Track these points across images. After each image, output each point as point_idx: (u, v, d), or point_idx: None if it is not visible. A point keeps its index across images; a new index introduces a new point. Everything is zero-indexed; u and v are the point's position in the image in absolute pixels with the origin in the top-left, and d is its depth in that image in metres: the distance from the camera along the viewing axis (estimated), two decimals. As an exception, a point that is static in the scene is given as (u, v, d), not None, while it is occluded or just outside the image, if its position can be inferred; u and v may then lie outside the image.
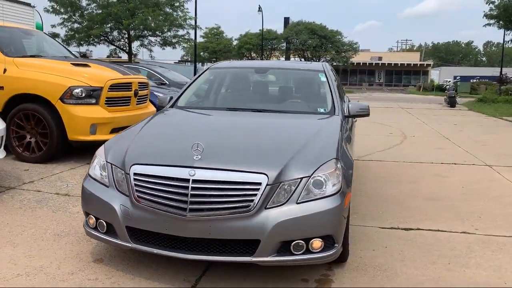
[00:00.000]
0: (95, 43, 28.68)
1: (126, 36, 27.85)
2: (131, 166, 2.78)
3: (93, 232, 2.91)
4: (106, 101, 5.97)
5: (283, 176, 2.65)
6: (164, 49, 28.50)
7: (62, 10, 26.48)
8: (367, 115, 4.06)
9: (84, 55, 47.58)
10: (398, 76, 62.25)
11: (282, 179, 2.64)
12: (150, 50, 28.85)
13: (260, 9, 45.36)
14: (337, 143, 3.12)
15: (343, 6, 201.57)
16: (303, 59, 49.63)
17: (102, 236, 2.86)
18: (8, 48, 6.15)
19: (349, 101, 6.07)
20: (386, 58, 62.88)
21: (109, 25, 27.08)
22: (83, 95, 5.76)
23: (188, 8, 28.76)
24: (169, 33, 27.85)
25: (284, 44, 49.63)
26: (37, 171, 5.48)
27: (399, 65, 60.51)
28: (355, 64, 57.33)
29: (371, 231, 3.83)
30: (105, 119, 5.89)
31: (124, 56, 30.36)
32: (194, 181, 2.60)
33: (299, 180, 2.67)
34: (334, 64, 49.18)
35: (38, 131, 5.83)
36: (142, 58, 33.15)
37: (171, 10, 28.02)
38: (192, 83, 4.46)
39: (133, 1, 26.48)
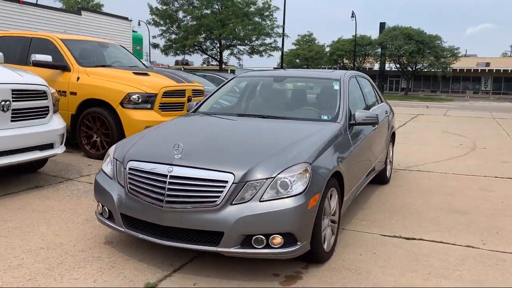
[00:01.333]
0: (190, 53, 30.64)
1: (218, 45, 29.33)
2: (128, 162, 3.24)
3: (99, 217, 3.42)
4: (160, 106, 6.63)
5: (249, 176, 2.91)
6: (251, 57, 29.57)
7: (161, 22, 28.71)
8: (375, 123, 4.12)
9: (186, 63, 50.77)
10: (509, 84, 57.00)
11: (248, 179, 2.90)
12: (239, 59, 30.13)
13: (353, 15, 44.80)
14: (318, 148, 3.29)
15: (451, 9, 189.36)
16: (398, 65, 47.89)
17: (105, 221, 3.36)
18: (83, 58, 7.10)
19: (391, 111, 6.08)
20: (495, 64, 57.90)
21: (203, 35, 28.75)
22: (140, 100, 6.47)
23: (277, 18, 29.53)
24: (256, 42, 28.84)
25: (379, 50, 48.30)
26: (98, 166, 6.27)
27: (509, 71, 55.38)
28: (458, 70, 53.87)
29: (370, 237, 3.88)
30: (158, 123, 6.50)
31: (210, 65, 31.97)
32: (171, 176, 2.98)
33: (263, 180, 2.91)
34: (433, 70, 46.74)
35: (103, 132, 6.65)
36: (239, 66, 34.60)
37: (260, 20, 28.97)
38: (217, 90, 4.87)
39: (224, 12, 27.89)
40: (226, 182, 2.89)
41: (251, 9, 28.47)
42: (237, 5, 28.02)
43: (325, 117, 4.03)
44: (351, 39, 46.94)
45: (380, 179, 5.72)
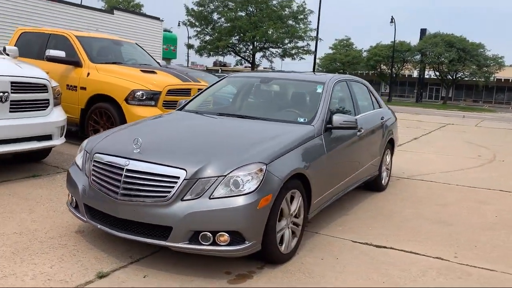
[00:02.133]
0: (223, 54, 30.97)
1: (251, 47, 29.50)
2: (94, 154, 3.35)
3: (69, 207, 3.55)
4: (164, 103, 6.77)
5: (201, 173, 2.95)
6: (283, 60, 29.58)
7: (197, 23, 29.17)
8: (353, 128, 4.05)
9: (224, 65, 51.43)
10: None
11: (200, 176, 2.95)
12: (271, 61, 30.18)
13: (392, 20, 43.99)
14: (280, 149, 3.29)
15: (498, 16, 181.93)
16: (437, 73, 46.57)
17: (72, 210, 3.48)
18: (95, 55, 7.36)
19: (393, 117, 5.96)
20: (544, 74, 55.21)
21: (236, 37, 29.00)
22: (144, 97, 6.63)
23: (311, 21, 29.39)
24: (289, 45, 28.81)
25: (418, 56, 47.10)
26: (101, 159, 6.48)
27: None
28: (502, 80, 51.84)
29: (340, 243, 3.83)
30: (160, 120, 6.68)
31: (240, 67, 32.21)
32: (127, 170, 3.07)
33: (215, 178, 2.94)
34: (474, 79, 45.16)
35: (108, 126, 6.85)
36: (272, 69, 34.68)
37: (294, 23, 28.93)
38: (207, 89, 4.94)
39: (259, 14, 28.04)
40: (178, 178, 2.95)
41: (285, 12, 28.49)
42: (271, 7, 28.12)
43: (301, 120, 4.01)
44: (390, 44, 46.00)
45: (374, 186, 5.62)
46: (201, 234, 2.90)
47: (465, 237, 4.15)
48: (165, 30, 40.81)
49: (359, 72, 54.45)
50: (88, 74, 7.04)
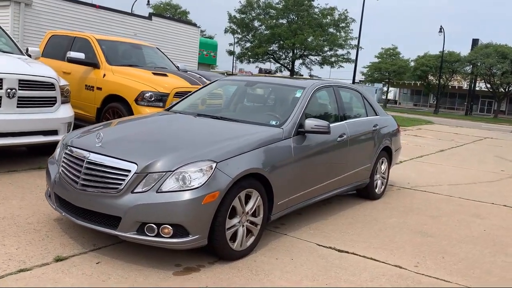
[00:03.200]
0: (263, 61, 31.27)
1: (290, 54, 29.60)
2: (66, 147, 3.60)
3: (46, 196, 3.82)
4: (171, 105, 7.02)
5: (151, 168, 3.11)
6: (322, 67, 29.44)
7: (238, 30, 29.65)
8: (324, 132, 4.07)
9: (269, 72, 51.87)
10: None
11: (149, 170, 3.10)
12: (310, 69, 30.12)
13: (441, 30, 42.73)
14: (237, 149, 3.40)
15: None
16: (488, 85, 44.61)
17: (47, 199, 3.74)
18: (113, 58, 7.75)
19: (394, 126, 5.89)
20: None
21: (276, 44, 29.21)
22: (152, 98, 6.91)
23: (353, 29, 29.14)
24: (329, 53, 28.66)
25: (468, 68, 45.34)
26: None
27: None
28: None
29: (304, 245, 3.86)
30: (167, 120, 6.93)
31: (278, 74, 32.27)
32: (87, 161, 3.28)
33: (163, 173, 3.09)
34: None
35: (120, 125, 7.20)
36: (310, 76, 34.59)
37: (335, 31, 28.78)
38: (196, 91, 5.12)
39: (300, 21, 28.12)
40: (129, 171, 3.12)
41: (326, 20, 28.39)
42: (312, 15, 28.13)
43: (273, 122, 4.08)
44: (438, 54, 44.65)
45: (366, 194, 5.58)
46: (146, 226, 3.05)
47: (438, 248, 4.05)
48: (208, 37, 41.83)
49: (406, 82, 53.13)
50: (104, 75, 7.42)
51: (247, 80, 5.06)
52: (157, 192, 3.06)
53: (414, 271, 3.49)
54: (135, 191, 3.09)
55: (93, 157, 3.28)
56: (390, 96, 65.97)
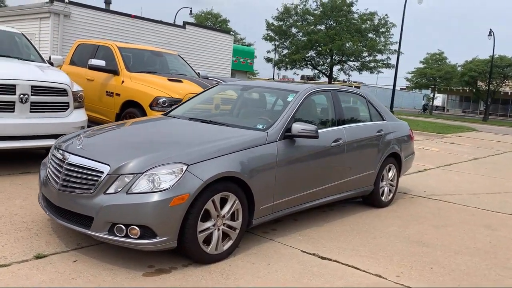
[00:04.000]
0: (301, 67, 31.13)
1: (328, 60, 29.31)
2: (54, 148, 3.75)
3: (38, 197, 3.97)
4: (185, 110, 7.13)
5: (123, 170, 3.17)
6: (361, 73, 28.95)
7: (276, 37, 29.71)
8: (312, 137, 4.00)
9: (312, 78, 51.46)
10: None
11: (121, 172, 3.17)
12: (349, 75, 29.69)
13: (491, 33, 40.98)
14: (213, 151, 3.41)
15: None
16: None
17: (38, 199, 3.90)
18: (133, 65, 7.99)
19: (405, 132, 5.72)
20: None
21: (313, 51, 29.02)
22: (166, 104, 7.05)
23: (393, 34, 28.43)
24: (367, 58, 28.14)
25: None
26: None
27: None
28: None
29: (286, 251, 3.80)
30: (180, 126, 7.05)
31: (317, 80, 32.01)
32: (67, 163, 3.39)
33: (134, 174, 3.15)
34: None
35: (136, 130, 7.40)
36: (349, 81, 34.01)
37: (374, 36, 28.25)
38: (197, 95, 5.18)
39: (338, 27, 27.81)
40: (102, 172, 3.20)
41: (365, 25, 27.90)
42: (350, 20, 27.75)
43: (260, 126, 4.05)
44: (488, 59, 42.70)
45: (371, 201, 5.42)
46: (116, 226, 3.11)
47: (429, 259, 3.87)
48: (247, 44, 42.14)
49: (454, 88, 51.21)
50: (123, 81, 7.67)
51: (244, 84, 5.06)
52: (127, 193, 3.12)
53: (394, 281, 3.35)
54: (107, 192, 3.16)
55: (72, 158, 3.39)
56: (438, 102, 63.71)
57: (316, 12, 28.54)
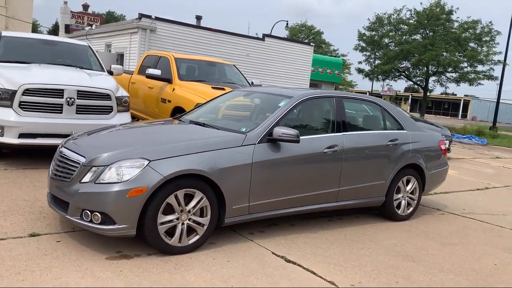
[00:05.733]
0: (394, 78, 29.99)
1: (423, 71, 27.85)
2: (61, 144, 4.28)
3: (50, 185, 4.54)
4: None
5: (94, 162, 3.55)
6: (458, 85, 26.95)
7: (368, 48, 29.05)
8: (293, 141, 4.03)
9: (417, 91, 48.84)
10: None
11: (93, 164, 3.55)
12: (446, 87, 27.87)
13: None
14: (174, 150, 3.64)
15: None
16: None
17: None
18: (184, 74, 8.56)
19: (427, 143, 5.46)
20: None
21: (406, 61, 27.80)
22: (206, 110, 7.47)
23: (499, 43, 26.06)
24: (466, 69, 26.18)
25: None
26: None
27: None
28: None
29: (257, 251, 3.87)
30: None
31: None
32: (59, 154, 3.88)
33: (103, 167, 3.50)
34: None
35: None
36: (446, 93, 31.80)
37: (475, 45, 26.24)
38: (210, 101, 5.45)
39: (433, 36, 26.37)
40: (79, 163, 3.61)
41: (465, 34, 25.98)
42: (448, 29, 26.08)
43: (243, 129, 4.18)
44: None
45: (385, 214, 5.21)
46: (84, 212, 3.49)
47: (404, 274, 3.66)
48: (340, 56, 41.55)
49: None
50: (174, 89, 8.26)
51: (247, 90, 5.22)
52: (95, 183, 3.48)
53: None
54: (82, 181, 3.56)
55: (63, 151, 3.87)
56: None
57: (410, 21, 27.34)
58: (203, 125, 4.51)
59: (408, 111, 61.58)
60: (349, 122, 4.85)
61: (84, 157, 3.62)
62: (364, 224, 5.01)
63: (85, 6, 28.31)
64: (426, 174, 5.44)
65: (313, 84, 25.43)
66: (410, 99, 68.49)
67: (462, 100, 65.85)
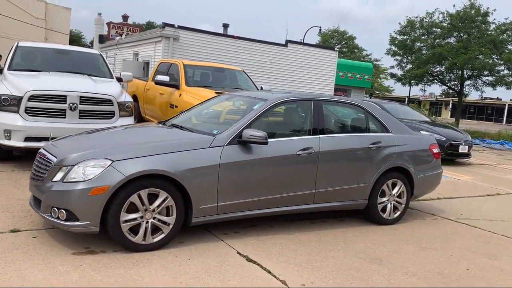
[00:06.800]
0: (428, 83, 29.24)
1: (458, 75, 26.98)
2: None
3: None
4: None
5: (63, 162, 3.75)
6: (495, 89, 25.91)
7: (400, 52, 28.48)
8: (261, 143, 4.11)
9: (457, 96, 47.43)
10: None
11: (62, 164, 3.75)
12: (481, 91, 26.86)
13: None
14: (138, 151, 3.79)
15: None
16: None
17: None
18: (191, 80, 8.77)
19: (415, 146, 5.38)
20: None
21: (439, 65, 27.06)
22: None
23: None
24: (503, 72, 25.15)
25: None
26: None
27: None
28: None
29: (222, 250, 3.94)
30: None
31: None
32: (38, 156, 4.12)
33: (69, 166, 3.70)
34: None
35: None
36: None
37: (513, 48, 25.17)
38: (198, 105, 5.60)
39: (467, 39, 25.55)
40: (51, 163, 3.83)
41: (503, 36, 24.97)
42: (484, 31, 25.14)
43: (215, 131, 4.29)
44: None
45: (370, 217, 5.16)
46: (52, 209, 3.69)
47: (363, 275, 3.63)
48: (373, 61, 40.86)
49: None
50: (180, 95, 8.49)
51: (232, 94, 5.32)
52: (63, 181, 3.68)
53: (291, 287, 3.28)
54: (53, 180, 3.77)
55: (41, 151, 4.11)
56: None
57: (443, 24, 26.59)
58: (181, 128, 4.66)
59: (448, 116, 59.63)
60: (328, 125, 4.86)
61: (56, 157, 3.83)
62: (346, 227, 4.97)
63: (125, 17, 29.37)
64: (415, 178, 5.34)
65: (341, 89, 25.21)
66: (451, 104, 66.30)
67: (507, 104, 63.06)
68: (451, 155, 10.96)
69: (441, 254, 4.31)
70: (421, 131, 10.84)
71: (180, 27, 15.62)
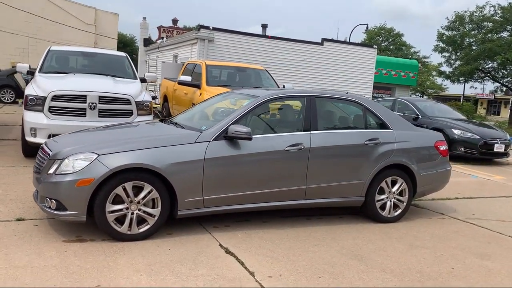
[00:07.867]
0: (478, 80, 27.97)
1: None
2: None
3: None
4: (240, 119, 7.75)
5: (56, 156, 4.04)
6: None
7: (449, 48, 27.45)
8: (245, 138, 4.20)
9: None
10: None
11: (55, 158, 4.04)
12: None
13: None
14: (124, 146, 4.00)
15: None
16: None
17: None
18: (212, 79, 8.98)
19: (417, 143, 5.29)
20: None
21: (490, 61, 25.79)
22: (224, 114, 7.79)
23: None
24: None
25: None
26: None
27: None
28: None
29: (206, 243, 4.07)
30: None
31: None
32: (39, 151, 4.44)
33: (60, 160, 3.97)
34: None
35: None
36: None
37: None
38: (202, 102, 5.75)
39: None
40: (47, 156, 4.13)
41: None
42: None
43: (203, 128, 4.43)
44: None
45: (367, 215, 5.10)
46: (45, 199, 3.98)
47: (336, 270, 3.63)
48: (421, 57, 39.40)
49: None
50: (200, 94, 8.72)
51: (228, 92, 5.44)
52: (56, 174, 3.96)
53: (258, 280, 3.36)
54: (48, 172, 4.06)
55: (43, 146, 4.43)
56: None
57: (495, 17, 25.27)
58: (175, 124, 4.84)
59: (508, 115, 56.26)
60: (322, 121, 4.86)
61: (51, 150, 4.13)
62: (342, 224, 4.95)
63: (175, 21, 30.34)
64: (417, 175, 5.20)
65: (385, 87, 24.62)
66: (511, 103, 62.63)
67: None
68: (486, 154, 10.46)
69: (429, 253, 4.20)
70: (452, 130, 10.46)
71: (214, 29, 15.95)
